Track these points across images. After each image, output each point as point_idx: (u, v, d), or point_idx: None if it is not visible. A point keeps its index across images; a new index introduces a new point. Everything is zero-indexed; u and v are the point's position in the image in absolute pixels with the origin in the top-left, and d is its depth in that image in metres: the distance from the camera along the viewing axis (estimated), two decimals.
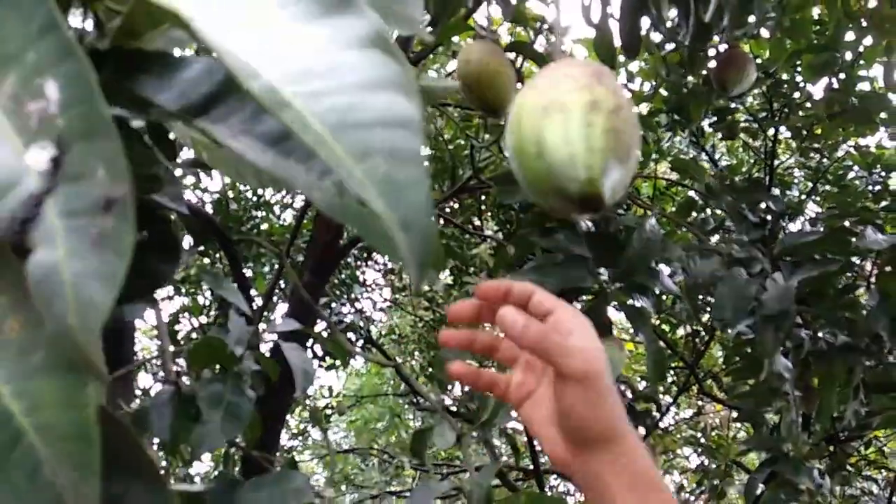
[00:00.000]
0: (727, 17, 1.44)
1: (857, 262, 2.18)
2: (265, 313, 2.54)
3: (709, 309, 2.31)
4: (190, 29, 0.28)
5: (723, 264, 1.62)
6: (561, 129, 0.56)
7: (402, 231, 0.22)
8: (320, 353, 3.71)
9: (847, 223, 2.11)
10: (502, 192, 1.62)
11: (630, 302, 1.52)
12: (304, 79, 0.26)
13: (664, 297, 3.12)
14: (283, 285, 2.84)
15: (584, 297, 1.56)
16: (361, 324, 4.26)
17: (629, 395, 2.27)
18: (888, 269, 1.90)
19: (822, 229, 1.97)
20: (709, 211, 2.62)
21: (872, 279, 2.01)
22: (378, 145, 0.24)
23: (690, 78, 2.55)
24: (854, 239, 1.70)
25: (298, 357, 1.02)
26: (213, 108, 0.37)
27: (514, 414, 1.62)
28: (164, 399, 0.96)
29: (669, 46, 2.18)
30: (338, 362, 4.34)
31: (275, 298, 3.11)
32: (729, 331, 1.61)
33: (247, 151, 0.35)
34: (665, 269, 2.03)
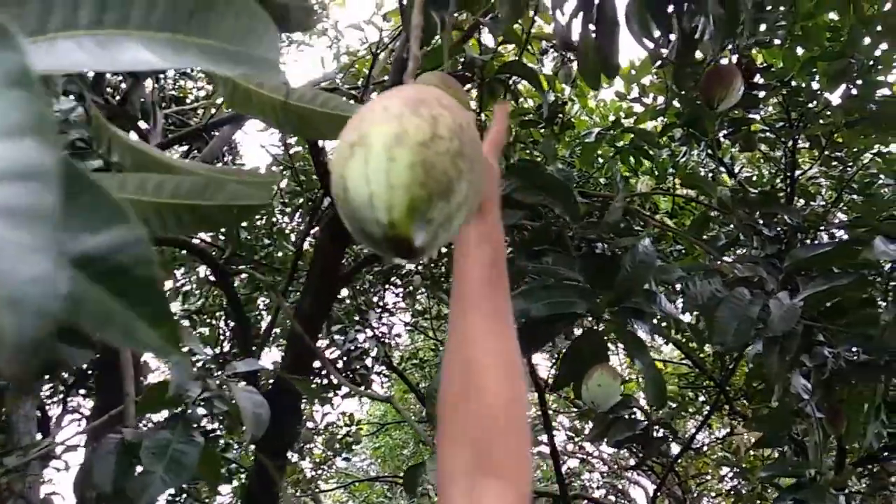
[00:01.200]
0: (714, 30, 1.38)
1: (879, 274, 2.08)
2: (265, 348, 2.52)
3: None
4: None
5: (725, 284, 1.54)
6: (360, 167, 0.51)
7: (6, 309, 0.18)
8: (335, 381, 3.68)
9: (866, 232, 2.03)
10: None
11: (628, 327, 1.46)
12: None
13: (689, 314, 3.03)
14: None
15: (581, 323, 1.50)
16: (374, 350, 4.22)
17: (643, 419, 2.19)
18: None
19: (835, 242, 1.88)
20: (717, 221, 2.54)
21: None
22: None
23: None
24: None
25: (250, 401, 0.97)
26: None
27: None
28: (107, 449, 0.92)
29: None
30: (352, 392, 4.30)
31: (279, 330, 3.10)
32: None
33: None
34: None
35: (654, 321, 1.50)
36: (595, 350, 1.41)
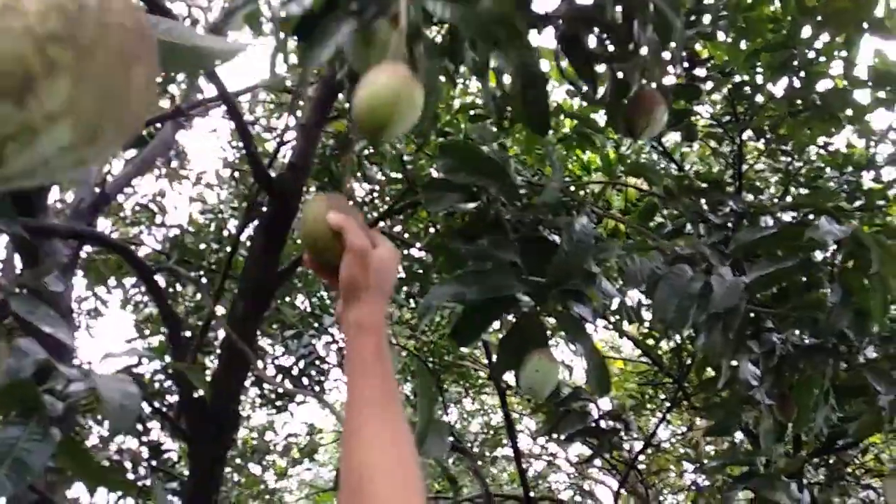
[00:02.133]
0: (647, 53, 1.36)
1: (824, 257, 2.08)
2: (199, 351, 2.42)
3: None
4: None
5: (666, 262, 1.51)
6: None
7: None
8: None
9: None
10: (429, 201, 1.52)
11: (568, 310, 1.41)
12: None
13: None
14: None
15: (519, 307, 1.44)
16: (331, 356, 4.13)
17: (595, 413, 2.15)
18: (850, 263, 1.79)
19: (780, 224, 1.87)
20: (670, 213, 2.53)
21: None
22: None
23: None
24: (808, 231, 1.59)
25: (116, 390, 0.89)
26: None
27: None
28: None
29: None
30: (307, 399, 4.19)
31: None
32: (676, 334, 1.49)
33: None
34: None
35: (594, 304, 1.45)
36: (533, 335, 1.36)
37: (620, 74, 1.53)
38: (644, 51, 1.43)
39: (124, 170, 3.49)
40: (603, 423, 2.12)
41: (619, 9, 1.40)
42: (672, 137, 3.98)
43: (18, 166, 0.38)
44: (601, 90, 1.56)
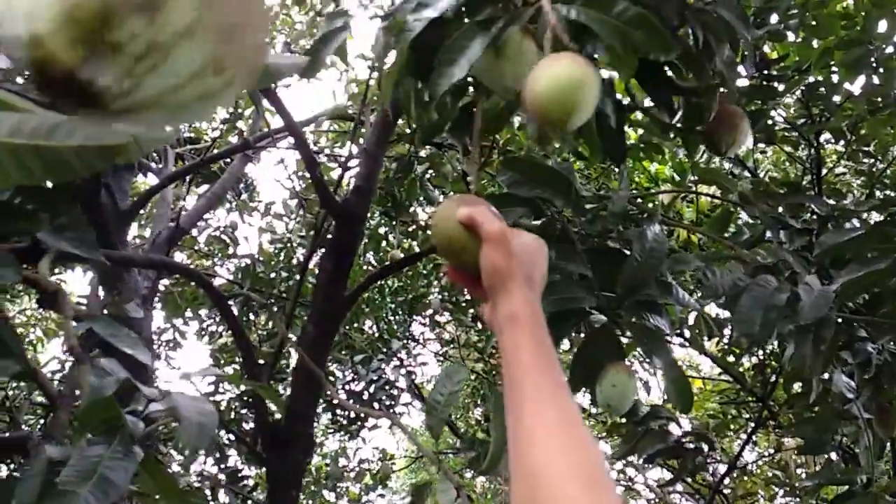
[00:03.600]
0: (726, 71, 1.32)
1: None
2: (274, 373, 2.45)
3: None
4: None
5: (748, 273, 1.43)
6: None
7: None
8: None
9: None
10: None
11: (643, 322, 1.36)
12: None
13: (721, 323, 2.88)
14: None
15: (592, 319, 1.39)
16: (400, 380, 4.12)
17: (677, 432, 2.05)
18: None
19: (867, 225, 1.75)
20: (746, 222, 2.42)
21: None
22: None
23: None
24: None
25: (195, 409, 0.89)
26: None
27: None
28: (32, 471, 0.85)
29: None
30: (379, 423, 4.19)
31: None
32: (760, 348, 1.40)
33: None
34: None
35: (672, 317, 1.39)
36: (608, 349, 1.30)
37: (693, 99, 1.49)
38: (719, 68, 1.39)
39: (197, 203, 3.63)
40: (685, 443, 2.02)
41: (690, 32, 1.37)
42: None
43: (151, 89, 0.37)
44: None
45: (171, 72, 0.37)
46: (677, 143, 3.00)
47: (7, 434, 3.83)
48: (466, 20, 1.02)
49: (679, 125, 1.54)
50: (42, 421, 4.42)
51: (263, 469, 2.05)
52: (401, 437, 7.66)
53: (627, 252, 1.44)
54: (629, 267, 1.28)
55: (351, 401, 3.88)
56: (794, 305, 1.40)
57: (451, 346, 5.69)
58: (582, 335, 1.55)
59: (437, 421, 1.31)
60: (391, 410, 4.09)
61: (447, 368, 1.27)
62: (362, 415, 3.70)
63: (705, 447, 2.07)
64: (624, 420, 2.14)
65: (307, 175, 4.08)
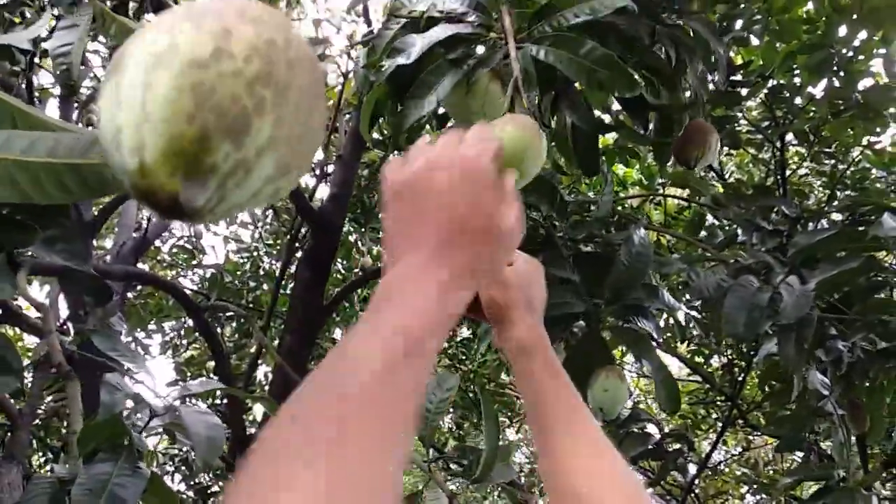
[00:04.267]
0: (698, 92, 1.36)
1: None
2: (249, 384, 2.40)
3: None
4: None
5: (730, 274, 1.44)
6: (111, 96, 0.38)
7: None
8: None
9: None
10: None
11: (630, 325, 1.36)
12: None
13: (690, 326, 2.91)
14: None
15: (578, 324, 1.39)
16: None
17: (657, 434, 2.06)
18: None
19: (839, 224, 1.79)
20: (718, 224, 2.46)
21: None
22: None
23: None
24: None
25: (201, 423, 0.87)
26: None
27: (514, 467, 1.45)
28: (38, 491, 0.81)
29: None
30: None
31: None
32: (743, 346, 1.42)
33: None
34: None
35: (659, 321, 1.40)
36: (597, 354, 1.30)
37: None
38: (692, 83, 1.42)
39: None
40: (666, 444, 2.03)
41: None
42: None
43: (236, 200, 0.40)
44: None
45: (253, 183, 0.41)
46: (649, 149, 3.04)
47: None
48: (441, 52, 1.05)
49: (651, 137, 1.57)
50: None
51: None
52: None
53: (607, 253, 1.45)
54: (616, 271, 1.28)
55: None
56: (775, 305, 1.42)
57: None
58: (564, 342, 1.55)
59: (428, 429, 1.29)
60: None
61: (438, 376, 1.25)
62: None
63: (685, 448, 2.09)
64: (604, 423, 2.15)
65: None
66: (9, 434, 3.64)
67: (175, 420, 0.91)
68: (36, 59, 2.13)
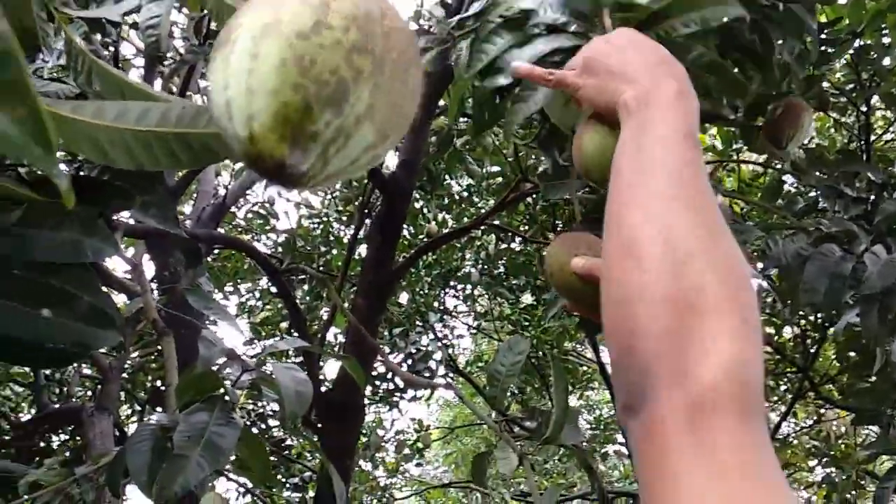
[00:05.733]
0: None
1: None
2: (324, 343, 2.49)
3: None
4: None
5: (811, 242, 1.41)
6: (221, 69, 0.41)
7: None
8: (401, 385, 3.64)
9: None
10: (548, 189, 1.49)
11: None
12: None
13: (763, 295, 2.84)
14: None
15: None
16: (437, 353, 4.16)
17: None
18: None
19: None
20: (797, 191, 2.37)
21: None
22: None
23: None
24: None
25: (290, 378, 0.92)
26: None
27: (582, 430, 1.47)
28: (141, 437, 0.88)
29: None
30: (419, 393, 4.25)
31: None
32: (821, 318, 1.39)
33: None
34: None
35: None
36: None
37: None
38: (788, 62, 1.36)
39: (241, 179, 3.67)
40: None
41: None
42: None
43: (337, 166, 0.43)
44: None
45: (353, 150, 0.43)
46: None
47: (58, 406, 3.96)
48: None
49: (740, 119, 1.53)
50: (90, 393, 4.56)
51: (306, 440, 2.10)
52: (434, 408, 7.75)
53: None
54: None
55: (390, 374, 3.93)
56: (857, 275, 1.38)
57: (486, 318, 5.72)
58: None
59: (500, 391, 1.32)
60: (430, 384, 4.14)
61: (510, 340, 1.28)
62: (410, 385, 3.76)
63: None
64: None
65: None
66: (99, 386, 3.90)
67: (264, 375, 0.97)
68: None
